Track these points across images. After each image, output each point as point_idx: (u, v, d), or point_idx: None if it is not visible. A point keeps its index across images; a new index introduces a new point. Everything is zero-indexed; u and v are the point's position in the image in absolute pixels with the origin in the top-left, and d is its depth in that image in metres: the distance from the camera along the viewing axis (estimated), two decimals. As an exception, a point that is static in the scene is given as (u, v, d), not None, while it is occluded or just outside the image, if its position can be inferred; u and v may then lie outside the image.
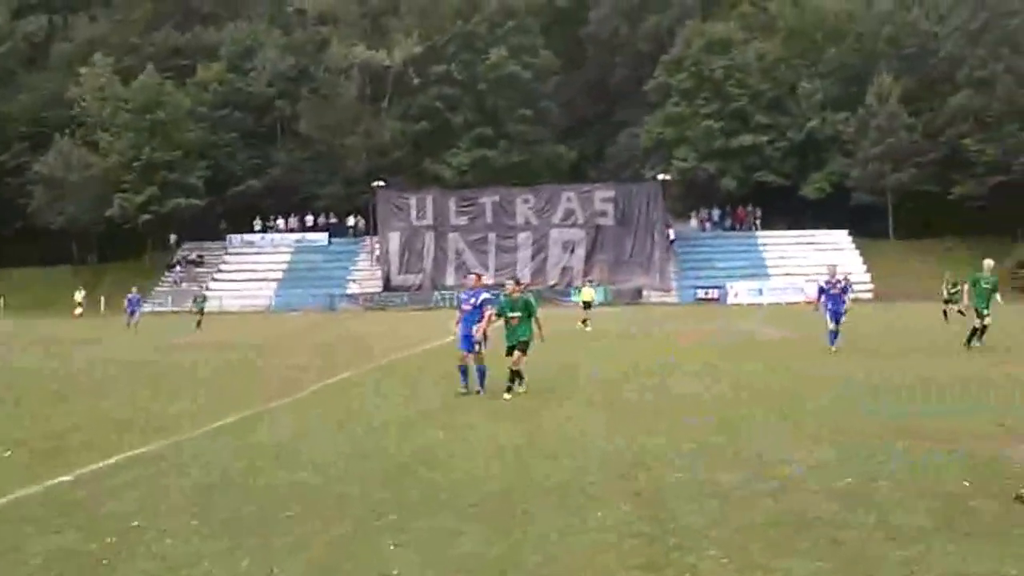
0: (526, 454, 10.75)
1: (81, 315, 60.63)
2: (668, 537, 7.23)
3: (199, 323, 43.09)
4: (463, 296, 16.56)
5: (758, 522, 7.61)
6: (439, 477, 9.62)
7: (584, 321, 34.48)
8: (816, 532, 7.28)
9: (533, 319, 15.90)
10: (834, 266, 25.67)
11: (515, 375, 15.72)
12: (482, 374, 15.93)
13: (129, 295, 45.06)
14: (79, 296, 63.33)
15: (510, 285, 16.28)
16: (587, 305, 36.80)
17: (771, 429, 12.02)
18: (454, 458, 10.59)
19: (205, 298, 48.70)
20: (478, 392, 15.74)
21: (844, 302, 23.54)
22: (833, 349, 22.75)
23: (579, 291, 45.03)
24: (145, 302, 60.23)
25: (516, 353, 15.62)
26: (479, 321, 15.76)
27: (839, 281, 24.04)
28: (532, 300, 16.31)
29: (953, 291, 32.87)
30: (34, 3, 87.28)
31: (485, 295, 16.23)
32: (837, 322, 23.14)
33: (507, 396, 15.34)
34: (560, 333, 25.50)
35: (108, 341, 34.85)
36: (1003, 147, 64.40)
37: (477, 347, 15.81)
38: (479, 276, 17.52)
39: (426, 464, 10.28)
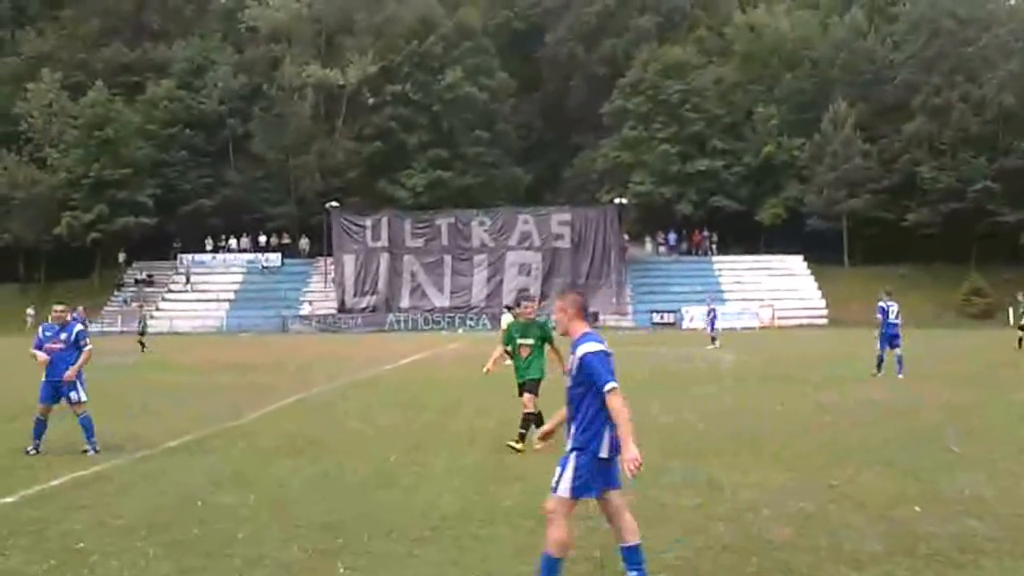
0: (481, 478, 10.68)
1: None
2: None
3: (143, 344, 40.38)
4: (46, 334, 13.05)
5: (711, 546, 7.60)
6: (394, 501, 9.52)
7: None
8: (768, 556, 7.28)
9: (548, 348, 12.78)
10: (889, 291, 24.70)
11: (527, 420, 12.47)
12: (87, 426, 12.79)
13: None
14: (30, 312, 62.46)
15: (523, 305, 13.53)
16: None
17: (726, 453, 12.04)
18: (410, 482, 10.50)
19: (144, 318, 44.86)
20: (86, 452, 12.51)
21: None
22: (900, 376, 21.85)
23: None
24: (92, 322, 59.36)
25: (527, 394, 12.76)
26: (75, 362, 12.78)
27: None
28: (548, 324, 12.67)
29: None
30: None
31: (79, 327, 13.33)
32: (895, 346, 22.58)
33: (515, 444, 12.42)
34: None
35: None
36: (957, 175, 65.06)
37: (74, 395, 12.74)
38: (65, 307, 13.49)
39: (380, 488, 10.19)
